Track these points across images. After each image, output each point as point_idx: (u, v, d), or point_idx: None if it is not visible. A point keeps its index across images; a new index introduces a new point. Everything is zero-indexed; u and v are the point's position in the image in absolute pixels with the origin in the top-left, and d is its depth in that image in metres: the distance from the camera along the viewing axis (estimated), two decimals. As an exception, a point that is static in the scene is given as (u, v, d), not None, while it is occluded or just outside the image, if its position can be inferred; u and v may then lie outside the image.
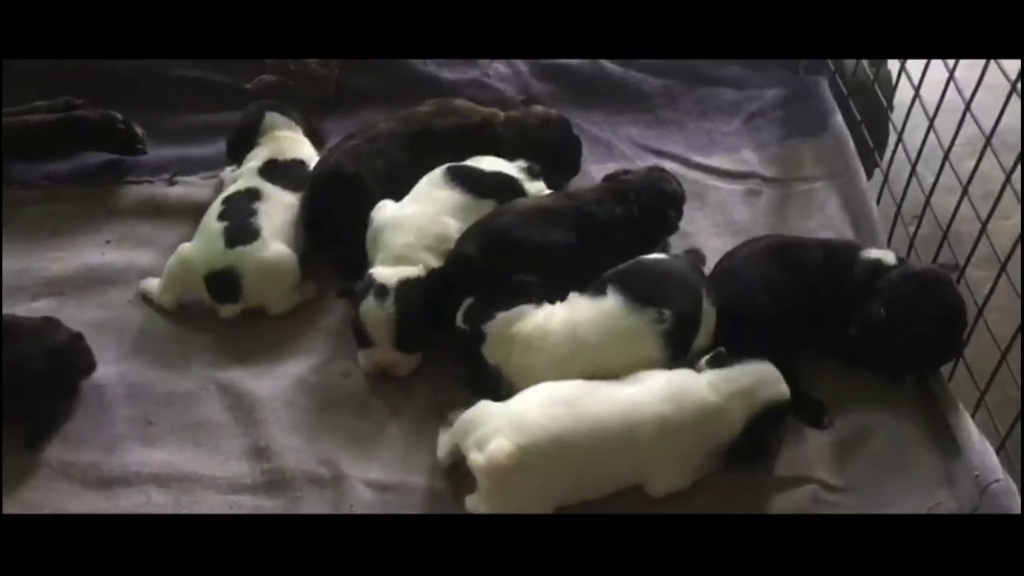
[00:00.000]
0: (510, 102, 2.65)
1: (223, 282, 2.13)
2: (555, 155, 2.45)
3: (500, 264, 2.02)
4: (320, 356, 2.11)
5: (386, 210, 2.17)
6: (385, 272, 2.04)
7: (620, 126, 2.73)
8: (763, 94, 2.81)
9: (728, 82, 2.85)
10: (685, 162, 2.62)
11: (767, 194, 2.55)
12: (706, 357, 1.91)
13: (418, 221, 2.13)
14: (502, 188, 2.21)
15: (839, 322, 1.99)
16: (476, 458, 1.73)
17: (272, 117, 2.44)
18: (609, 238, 2.14)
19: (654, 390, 1.83)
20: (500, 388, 1.91)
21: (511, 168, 2.28)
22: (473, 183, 2.20)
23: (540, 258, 2.05)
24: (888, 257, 2.04)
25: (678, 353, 1.93)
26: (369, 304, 2.00)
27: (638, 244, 2.13)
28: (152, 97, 2.72)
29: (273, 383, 2.05)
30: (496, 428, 1.74)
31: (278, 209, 2.23)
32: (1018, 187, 1.90)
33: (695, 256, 2.17)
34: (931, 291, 1.96)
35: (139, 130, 2.56)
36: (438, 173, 2.22)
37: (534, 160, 2.33)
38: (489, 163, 2.29)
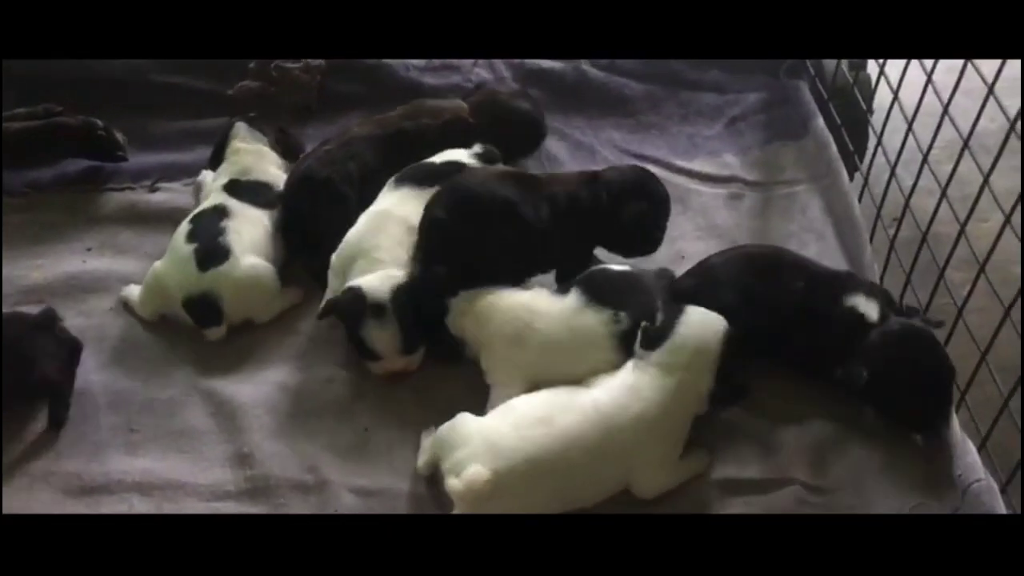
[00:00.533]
0: (464, 89, 2.70)
1: (202, 306, 2.10)
2: (531, 124, 2.54)
3: (469, 221, 2.04)
4: (302, 361, 2.11)
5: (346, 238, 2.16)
6: (373, 283, 2.02)
7: (602, 130, 2.73)
8: (744, 98, 2.82)
9: (709, 87, 2.86)
10: (667, 166, 2.62)
11: (749, 197, 2.55)
12: (637, 341, 1.90)
13: (377, 220, 2.14)
14: (449, 173, 2.21)
15: (810, 351, 1.98)
16: (454, 484, 1.72)
17: (238, 128, 2.40)
18: (573, 219, 2.13)
19: (614, 395, 1.83)
20: (463, 351, 2.03)
21: (462, 155, 2.29)
22: (417, 176, 2.22)
23: (507, 215, 2.05)
24: (871, 312, 1.94)
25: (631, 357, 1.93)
26: (370, 326, 1.99)
27: (608, 237, 2.16)
28: (133, 104, 2.71)
29: (256, 389, 2.04)
30: (472, 453, 1.74)
31: (247, 224, 2.20)
32: (996, 190, 1.92)
33: (664, 274, 2.14)
34: (914, 355, 1.89)
35: (120, 137, 2.55)
36: (387, 185, 2.24)
37: (511, 132, 2.42)
38: (441, 156, 2.29)
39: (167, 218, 2.41)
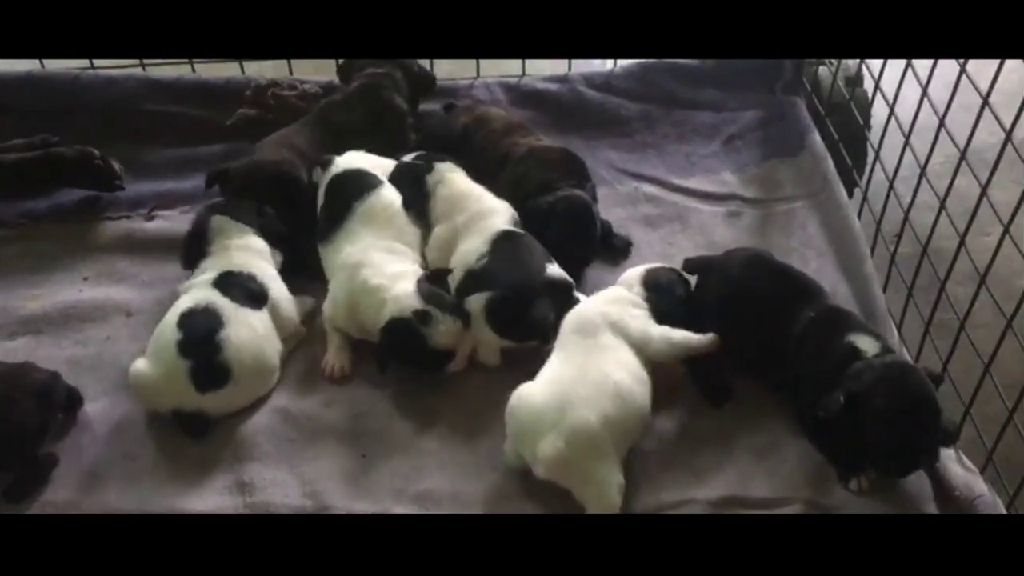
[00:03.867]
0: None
1: (194, 420, 2.00)
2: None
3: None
4: (301, 386, 2.10)
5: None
6: (397, 305, 2.04)
7: (599, 151, 2.74)
8: (740, 116, 2.83)
9: (705, 105, 2.88)
10: (665, 185, 2.65)
11: (748, 215, 2.57)
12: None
13: (348, 263, 2.17)
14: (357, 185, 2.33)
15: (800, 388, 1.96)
16: (536, 471, 1.82)
17: (220, 221, 2.22)
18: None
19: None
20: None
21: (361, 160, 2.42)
22: (341, 213, 2.27)
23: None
24: (870, 346, 1.88)
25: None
26: (431, 335, 2.03)
27: None
28: (128, 132, 2.73)
29: (255, 415, 2.04)
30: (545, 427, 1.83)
31: (243, 330, 2.04)
32: (997, 202, 1.92)
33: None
34: (896, 384, 1.78)
35: (117, 166, 2.55)
36: (321, 242, 2.30)
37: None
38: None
39: (164, 246, 2.41)
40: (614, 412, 1.83)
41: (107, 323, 2.26)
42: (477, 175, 2.42)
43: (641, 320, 2.02)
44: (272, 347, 2.10)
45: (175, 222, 2.51)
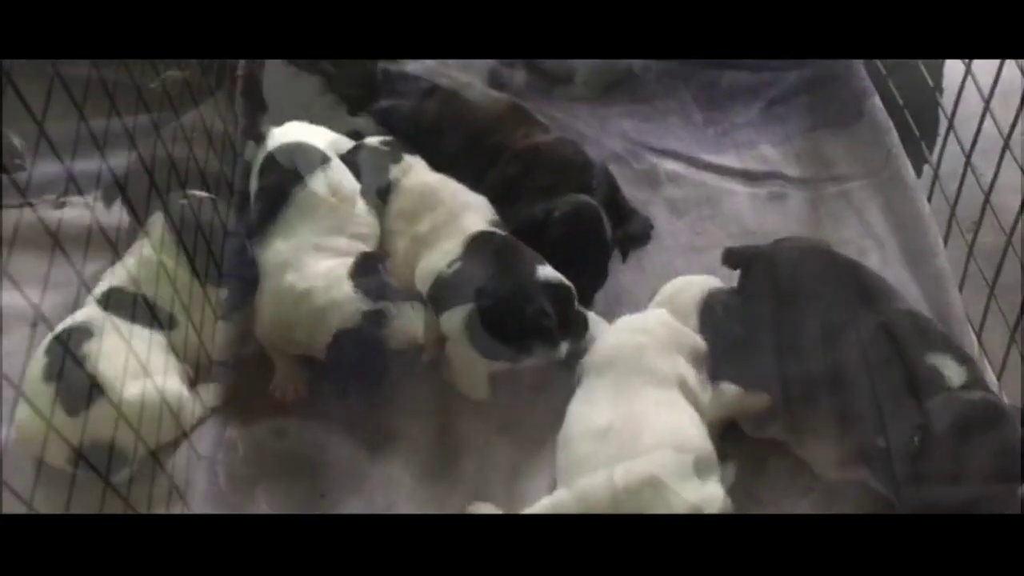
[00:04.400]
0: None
1: (94, 458, 1.83)
2: None
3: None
4: (245, 409, 2.09)
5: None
6: (342, 313, 2.00)
7: (610, 120, 2.71)
8: (784, 76, 2.82)
9: (740, 63, 2.84)
10: (691, 161, 2.62)
11: (793, 197, 2.55)
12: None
13: (275, 266, 2.14)
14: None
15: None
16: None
17: (155, 222, 2.17)
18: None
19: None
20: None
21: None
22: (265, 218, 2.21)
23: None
24: (955, 374, 1.89)
25: None
26: (390, 336, 2.01)
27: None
28: (33, 100, 2.65)
29: (187, 446, 2.03)
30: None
31: (116, 339, 1.97)
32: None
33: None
34: (982, 434, 1.81)
35: (17, 141, 2.50)
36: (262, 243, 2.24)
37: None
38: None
39: (77, 240, 2.21)
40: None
41: (7, 335, 2.05)
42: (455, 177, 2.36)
43: (701, 379, 1.99)
44: (167, 358, 2.04)
45: (90, 210, 2.33)
